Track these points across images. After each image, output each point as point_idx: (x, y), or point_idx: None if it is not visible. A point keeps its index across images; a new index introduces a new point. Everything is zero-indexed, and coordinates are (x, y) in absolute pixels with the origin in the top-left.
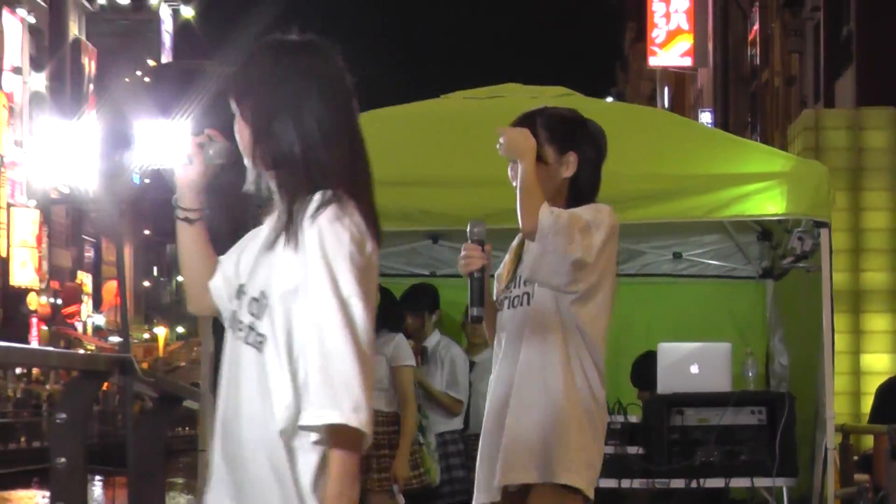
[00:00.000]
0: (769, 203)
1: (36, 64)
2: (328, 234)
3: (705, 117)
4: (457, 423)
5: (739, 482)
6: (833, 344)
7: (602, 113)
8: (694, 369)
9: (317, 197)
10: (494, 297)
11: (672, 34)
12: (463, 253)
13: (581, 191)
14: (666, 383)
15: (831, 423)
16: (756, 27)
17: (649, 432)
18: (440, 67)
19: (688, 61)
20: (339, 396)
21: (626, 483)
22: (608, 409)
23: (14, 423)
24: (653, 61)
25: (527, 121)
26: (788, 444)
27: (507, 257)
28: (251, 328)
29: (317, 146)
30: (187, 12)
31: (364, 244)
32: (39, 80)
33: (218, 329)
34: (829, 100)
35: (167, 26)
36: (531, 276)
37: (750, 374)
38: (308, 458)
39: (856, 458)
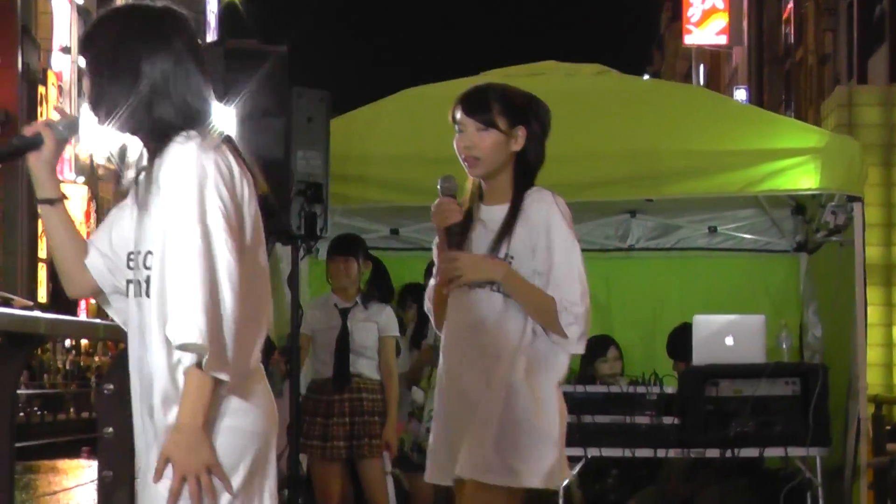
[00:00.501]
0: (803, 178)
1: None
2: (186, 161)
3: (740, 95)
4: None
5: (773, 452)
6: (866, 316)
7: (639, 90)
8: (729, 341)
9: (181, 136)
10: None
11: (707, 13)
12: (437, 206)
13: (528, 165)
14: (701, 355)
15: (864, 393)
16: (790, 5)
17: (685, 403)
18: (479, 45)
19: (723, 40)
20: (181, 314)
21: (661, 453)
22: (644, 380)
23: (63, 394)
24: (688, 40)
25: (479, 94)
26: (822, 414)
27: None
28: (149, 281)
29: (159, 99)
30: None
31: (231, 175)
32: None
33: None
34: (862, 77)
35: (212, 6)
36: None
37: (784, 346)
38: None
39: (888, 427)
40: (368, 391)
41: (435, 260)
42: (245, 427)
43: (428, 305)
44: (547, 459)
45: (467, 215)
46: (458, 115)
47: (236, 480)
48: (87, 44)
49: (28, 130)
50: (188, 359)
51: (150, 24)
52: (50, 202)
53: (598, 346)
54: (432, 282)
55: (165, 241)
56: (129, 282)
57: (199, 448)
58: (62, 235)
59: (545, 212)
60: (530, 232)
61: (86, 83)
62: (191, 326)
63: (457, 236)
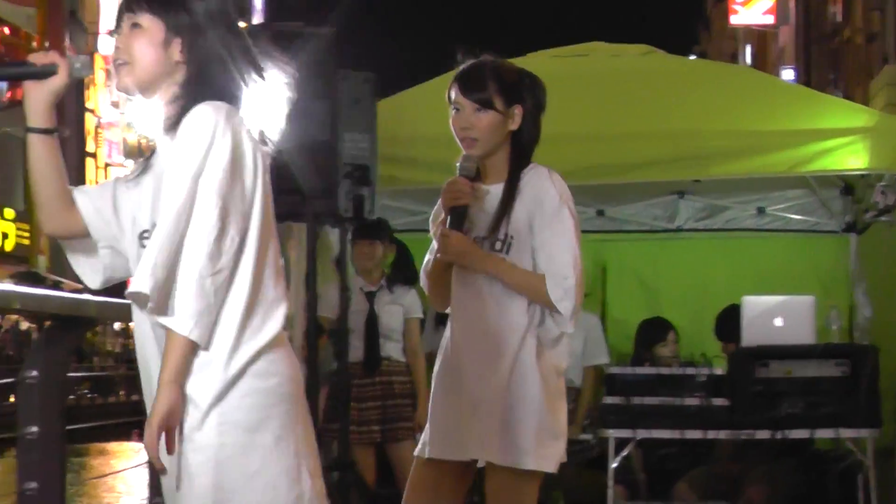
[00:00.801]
0: (852, 158)
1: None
2: (198, 119)
3: (787, 75)
4: None
5: (824, 433)
6: None
7: (685, 70)
8: (778, 322)
9: (202, 104)
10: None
11: None
12: (449, 184)
13: (523, 144)
14: (750, 336)
15: None
16: None
17: (734, 384)
18: (524, 26)
19: (770, 19)
20: (151, 275)
21: (711, 434)
22: (694, 361)
23: (113, 377)
24: (734, 19)
25: (475, 73)
26: (872, 395)
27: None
28: None
29: (200, 83)
30: None
31: (242, 144)
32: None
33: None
34: None
35: None
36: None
37: (834, 327)
38: None
39: None
40: (398, 374)
41: (433, 236)
42: (268, 388)
43: (424, 280)
44: (561, 443)
45: None
46: (455, 94)
47: (262, 438)
48: (165, 6)
49: (38, 58)
50: (164, 321)
51: (195, 7)
52: (45, 132)
53: (657, 329)
54: (429, 256)
55: (169, 198)
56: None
57: (164, 401)
58: (49, 168)
59: (539, 187)
60: (527, 209)
61: (130, 36)
62: (143, 277)
63: (459, 218)
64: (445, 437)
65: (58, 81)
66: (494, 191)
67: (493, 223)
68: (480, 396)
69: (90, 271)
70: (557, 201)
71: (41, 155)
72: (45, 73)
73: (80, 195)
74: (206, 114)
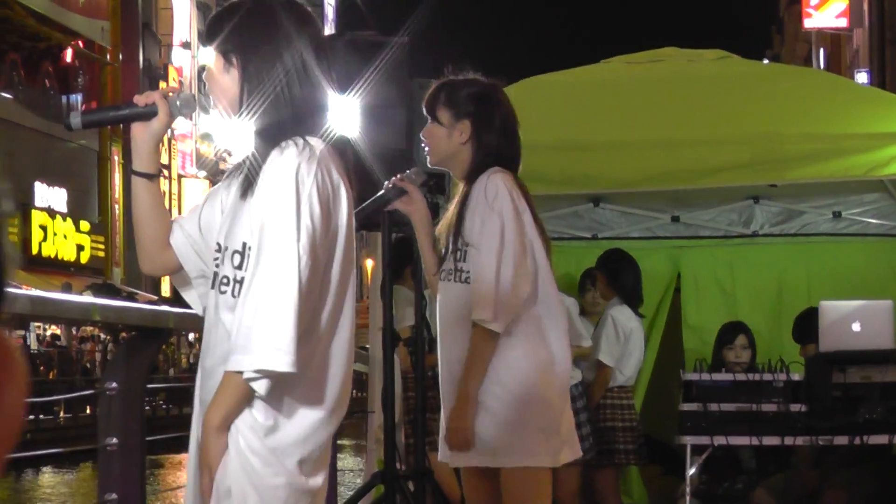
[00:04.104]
0: None
1: (204, 38)
2: (286, 173)
3: (861, 78)
4: (576, 375)
5: None
6: None
7: (761, 74)
8: (856, 327)
9: (287, 143)
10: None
11: None
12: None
13: (476, 156)
14: (828, 341)
15: None
16: None
17: (812, 390)
18: (599, 33)
19: (843, 22)
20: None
21: (789, 440)
22: (771, 367)
23: (188, 388)
24: (808, 23)
25: (434, 90)
26: None
27: (446, 222)
28: (235, 280)
29: (288, 98)
30: None
31: (328, 188)
32: (208, 55)
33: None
34: None
35: None
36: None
37: None
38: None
39: None
40: (428, 388)
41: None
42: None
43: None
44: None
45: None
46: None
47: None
48: (213, 37)
49: (140, 99)
50: (235, 364)
51: (278, 21)
52: (147, 176)
53: (728, 332)
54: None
55: (258, 256)
56: (214, 273)
57: (207, 447)
58: (150, 211)
59: (477, 197)
60: (471, 217)
61: (208, 70)
62: (279, 354)
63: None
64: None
65: (160, 122)
66: (454, 202)
67: (452, 238)
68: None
69: (195, 298)
70: (488, 212)
71: (143, 198)
72: (148, 114)
73: (175, 229)
74: (291, 166)
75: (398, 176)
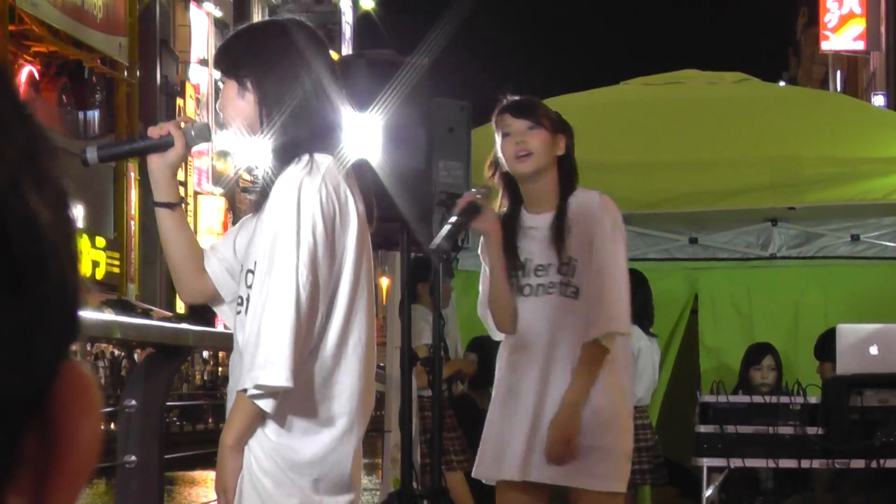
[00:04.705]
0: None
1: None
2: (290, 192)
3: (878, 100)
4: None
5: None
6: None
7: (779, 97)
8: (873, 350)
9: (297, 160)
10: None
11: (844, 18)
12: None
13: (568, 170)
14: (845, 364)
15: None
16: None
17: (829, 413)
18: (616, 54)
19: (860, 45)
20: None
21: (805, 463)
22: (788, 389)
23: (202, 406)
24: (825, 45)
25: (525, 99)
26: None
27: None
28: (247, 299)
29: (304, 116)
30: (367, 3)
31: (334, 205)
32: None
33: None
34: None
35: (347, 18)
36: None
37: None
38: None
39: None
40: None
41: (483, 262)
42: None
43: (483, 312)
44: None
45: (510, 225)
46: (507, 119)
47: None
48: (224, 59)
49: (155, 131)
50: (241, 383)
51: (290, 40)
52: (169, 206)
53: (755, 353)
54: (483, 287)
55: (261, 274)
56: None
57: (221, 467)
58: (178, 240)
59: (594, 208)
60: (584, 229)
61: (222, 96)
62: (273, 368)
63: (472, 211)
64: (509, 458)
65: (176, 153)
66: (542, 220)
67: (555, 248)
68: (538, 420)
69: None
70: (611, 226)
71: (168, 227)
72: (164, 145)
73: (209, 255)
74: (294, 186)
75: (473, 191)
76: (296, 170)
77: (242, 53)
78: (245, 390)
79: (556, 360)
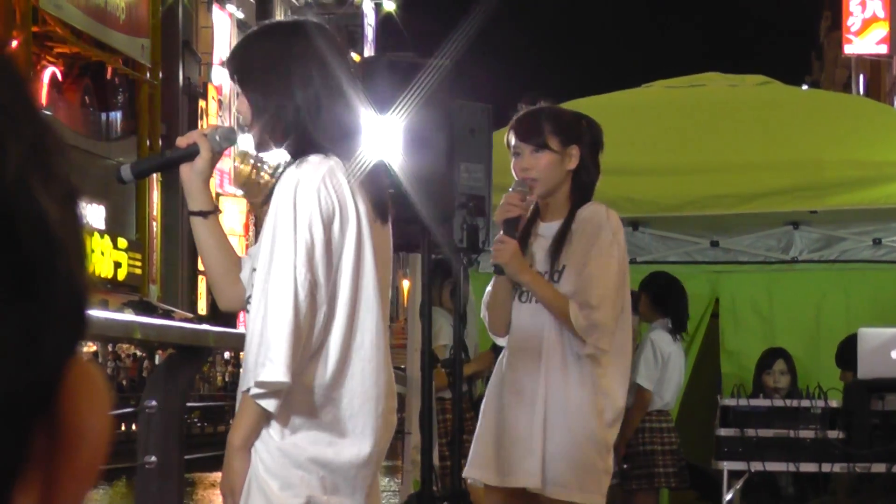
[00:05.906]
0: None
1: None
2: (287, 192)
3: None
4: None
5: None
6: None
7: (802, 100)
8: (895, 354)
9: (299, 162)
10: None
11: (867, 22)
12: (503, 201)
13: (582, 182)
14: (867, 368)
15: None
16: None
17: (850, 417)
18: (638, 57)
19: (883, 49)
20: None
21: (826, 467)
22: (808, 393)
23: (223, 407)
24: (848, 49)
25: (531, 118)
26: None
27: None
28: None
29: (305, 119)
30: (389, 5)
31: (332, 204)
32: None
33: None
34: None
35: (369, 20)
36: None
37: None
38: None
39: None
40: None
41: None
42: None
43: (484, 312)
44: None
45: (525, 232)
46: (513, 140)
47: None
48: (237, 61)
49: (182, 141)
50: (248, 382)
51: (302, 42)
52: (203, 214)
53: (767, 357)
54: (489, 288)
55: (262, 276)
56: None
57: (228, 467)
58: (214, 248)
59: (596, 223)
60: (584, 242)
61: (238, 101)
62: (270, 365)
63: (511, 227)
64: (502, 464)
65: (203, 160)
66: (551, 229)
67: (551, 253)
68: (532, 427)
69: None
70: (610, 239)
71: (203, 235)
72: (191, 154)
73: (245, 262)
74: (291, 186)
75: (518, 189)
76: (292, 170)
77: (251, 59)
78: (248, 390)
79: (550, 370)
